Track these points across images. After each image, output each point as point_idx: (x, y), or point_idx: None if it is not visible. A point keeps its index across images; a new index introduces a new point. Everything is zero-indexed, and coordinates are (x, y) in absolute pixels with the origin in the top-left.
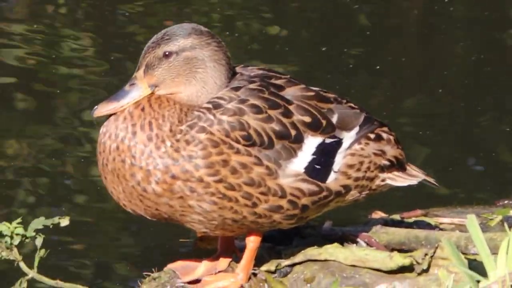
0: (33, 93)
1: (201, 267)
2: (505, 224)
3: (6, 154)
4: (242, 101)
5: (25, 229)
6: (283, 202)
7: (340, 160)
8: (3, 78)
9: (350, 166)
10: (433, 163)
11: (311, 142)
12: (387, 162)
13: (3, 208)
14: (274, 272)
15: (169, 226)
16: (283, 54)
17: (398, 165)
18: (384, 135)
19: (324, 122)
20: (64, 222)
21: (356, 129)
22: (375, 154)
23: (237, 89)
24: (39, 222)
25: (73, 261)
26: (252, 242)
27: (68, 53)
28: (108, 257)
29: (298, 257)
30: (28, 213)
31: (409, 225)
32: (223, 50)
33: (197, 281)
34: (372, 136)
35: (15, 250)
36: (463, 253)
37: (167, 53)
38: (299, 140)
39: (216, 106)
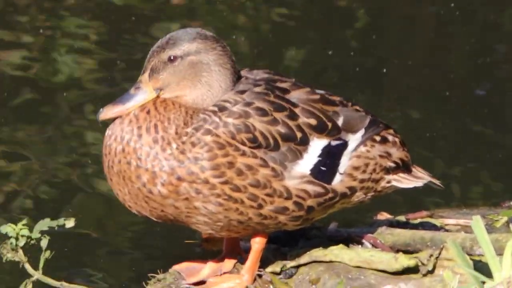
0: (36, 95)
1: (206, 269)
2: (511, 225)
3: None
4: (248, 104)
5: (31, 230)
6: (289, 204)
7: (345, 162)
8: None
9: (356, 168)
10: (438, 165)
11: (317, 144)
12: (392, 164)
13: (8, 211)
14: (279, 274)
15: (174, 228)
16: (289, 58)
17: (403, 167)
18: (390, 137)
19: (329, 124)
20: (70, 223)
21: (362, 131)
22: (380, 156)
23: (242, 92)
24: (44, 224)
25: (78, 262)
26: (258, 244)
27: (70, 54)
28: (113, 258)
29: (304, 259)
30: (32, 215)
31: (415, 226)
32: (228, 54)
33: (202, 282)
34: (377, 138)
35: (21, 251)
36: (469, 254)
37: (172, 58)
38: (304, 142)
39: (222, 108)
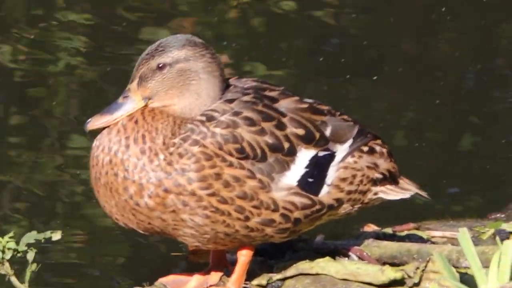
0: (26, 105)
1: (193, 281)
2: (497, 238)
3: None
4: (236, 114)
5: (17, 243)
6: (276, 216)
7: (333, 173)
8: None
9: (343, 179)
10: (425, 176)
11: (304, 155)
12: (379, 176)
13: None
14: (265, 286)
15: (161, 240)
16: (279, 64)
17: (390, 179)
18: (377, 148)
19: (317, 134)
20: (56, 236)
21: (350, 141)
22: (368, 167)
23: (230, 101)
24: (31, 236)
25: (64, 275)
26: (244, 256)
27: (63, 60)
28: (99, 271)
29: (290, 271)
30: (20, 227)
31: (401, 239)
32: (217, 62)
33: None
34: (365, 149)
35: (7, 264)
36: (455, 267)
37: (160, 65)
38: (292, 153)
39: (210, 118)
